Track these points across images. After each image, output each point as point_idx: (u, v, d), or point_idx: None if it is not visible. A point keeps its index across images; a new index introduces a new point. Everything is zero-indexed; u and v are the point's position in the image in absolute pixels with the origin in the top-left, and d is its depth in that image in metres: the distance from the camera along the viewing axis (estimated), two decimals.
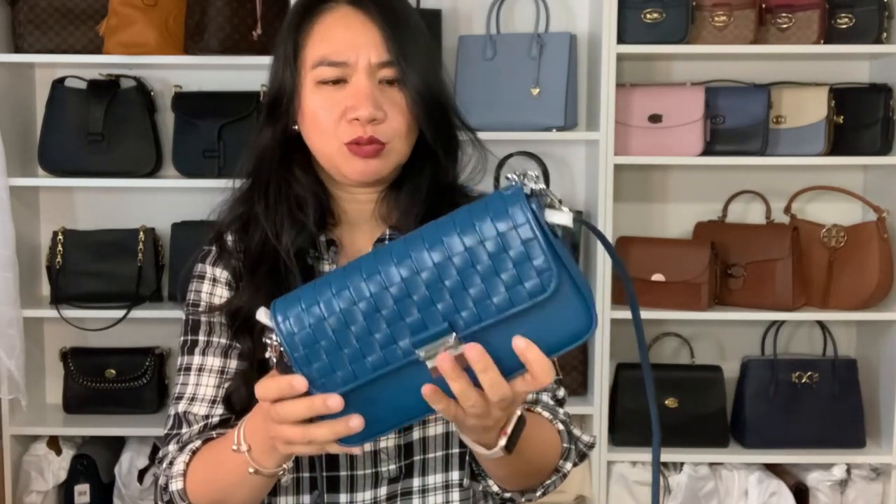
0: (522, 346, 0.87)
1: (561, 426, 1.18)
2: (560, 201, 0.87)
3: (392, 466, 1.18)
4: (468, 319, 0.86)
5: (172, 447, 1.18)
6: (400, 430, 1.18)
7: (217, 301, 1.21)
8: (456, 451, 1.20)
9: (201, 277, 1.23)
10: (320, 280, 0.91)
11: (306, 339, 0.89)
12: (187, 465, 1.13)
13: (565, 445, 1.17)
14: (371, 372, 0.89)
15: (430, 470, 1.20)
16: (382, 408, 0.91)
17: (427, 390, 0.88)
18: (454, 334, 0.87)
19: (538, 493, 1.18)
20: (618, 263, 0.91)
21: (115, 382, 2.76)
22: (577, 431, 1.21)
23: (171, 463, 1.15)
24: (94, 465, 2.72)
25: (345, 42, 1.13)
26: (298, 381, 0.90)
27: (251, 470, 1.02)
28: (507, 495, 1.18)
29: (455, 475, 1.20)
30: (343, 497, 1.17)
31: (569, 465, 1.18)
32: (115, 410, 2.76)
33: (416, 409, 0.91)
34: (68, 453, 2.74)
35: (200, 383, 1.20)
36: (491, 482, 1.17)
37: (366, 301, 0.87)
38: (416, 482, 1.20)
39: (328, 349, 0.89)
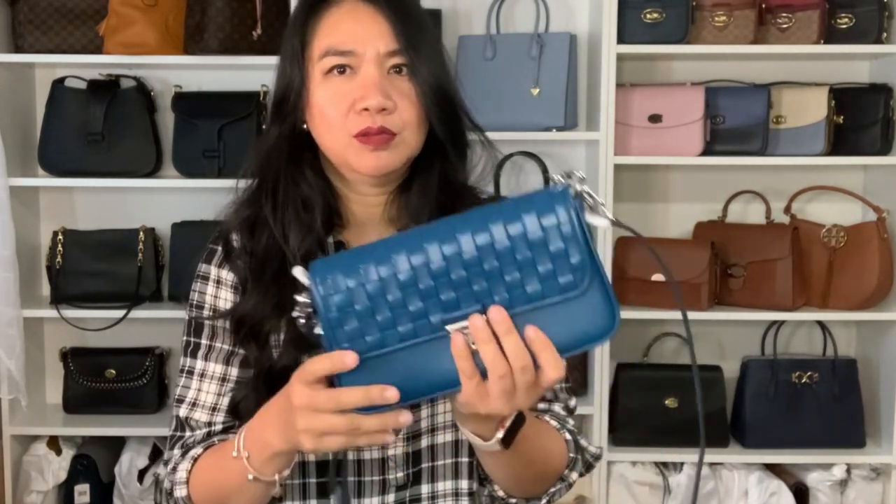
0: (532, 335, 0.88)
1: (568, 436, 1.17)
2: (603, 204, 0.90)
3: (400, 474, 1.17)
4: (500, 305, 0.89)
5: (177, 452, 1.17)
6: (408, 437, 1.17)
7: (221, 303, 1.19)
8: (465, 459, 1.20)
9: (205, 278, 1.21)
10: (362, 247, 0.93)
11: (341, 301, 0.90)
12: (189, 472, 1.13)
13: (572, 455, 1.16)
14: (399, 341, 0.91)
15: (439, 477, 1.19)
16: (404, 380, 0.92)
17: (459, 341, 0.89)
18: (484, 317, 0.89)
19: (543, 501, 1.16)
20: (665, 270, 0.94)
21: (115, 382, 2.76)
22: (583, 442, 1.20)
23: (174, 469, 1.15)
24: (94, 465, 2.72)
25: (352, 32, 1.12)
26: (350, 357, 0.90)
27: (250, 476, 1.03)
28: (513, 501, 1.17)
29: (464, 483, 1.20)
30: (352, 502, 1.17)
31: (574, 475, 1.17)
32: (115, 410, 2.75)
33: (437, 384, 0.92)
34: (68, 453, 2.74)
35: (202, 389, 1.19)
36: (496, 486, 1.16)
37: (405, 273, 0.89)
38: (425, 489, 1.19)
39: (361, 314, 0.90)
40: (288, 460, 1.03)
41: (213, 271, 1.21)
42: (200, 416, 1.18)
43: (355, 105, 1.11)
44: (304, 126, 1.17)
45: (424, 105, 1.13)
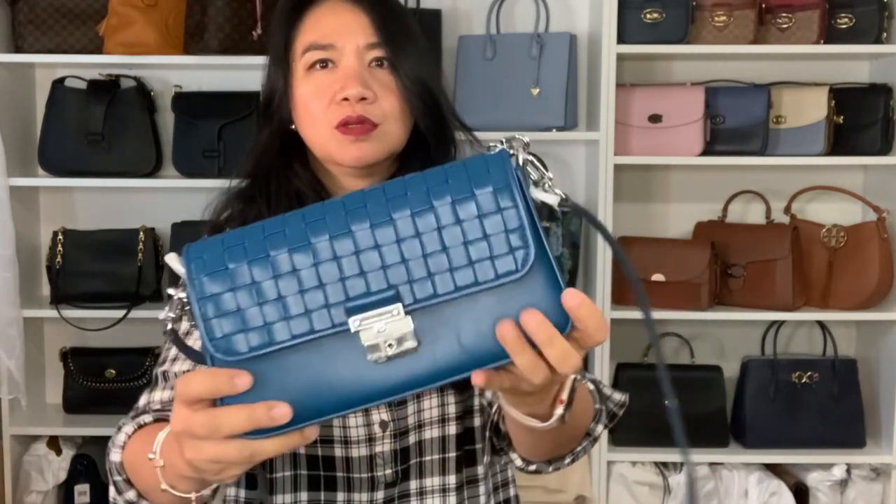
0: (577, 301, 0.72)
1: (591, 386, 1.10)
2: (550, 177, 0.76)
3: (388, 471, 1.17)
4: (420, 292, 0.73)
5: (143, 400, 1.10)
6: (396, 434, 1.17)
7: None
8: (452, 454, 1.19)
9: None
10: (253, 225, 0.76)
11: (221, 289, 0.73)
12: (129, 437, 1.00)
13: (597, 407, 1.09)
14: (291, 338, 0.73)
15: (427, 473, 1.19)
16: (304, 391, 0.73)
17: (480, 376, 0.73)
18: (399, 305, 0.72)
19: (567, 461, 1.10)
20: (618, 253, 0.77)
21: (115, 382, 2.76)
22: (607, 390, 1.14)
23: (119, 429, 1.03)
24: (94, 465, 2.72)
25: (333, 27, 1.14)
26: (243, 379, 0.73)
27: (163, 487, 0.87)
28: (532, 468, 1.10)
29: (452, 479, 1.19)
30: (340, 495, 1.17)
31: (600, 428, 1.09)
32: (115, 410, 2.74)
33: (350, 397, 0.73)
34: (68, 453, 2.74)
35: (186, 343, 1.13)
36: (514, 455, 1.10)
37: (304, 254, 0.73)
38: (413, 485, 1.19)
39: (244, 301, 0.73)
40: (205, 482, 0.84)
41: None
42: (180, 367, 1.10)
43: (336, 96, 1.12)
44: (293, 126, 1.18)
45: (405, 97, 1.13)
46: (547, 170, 0.76)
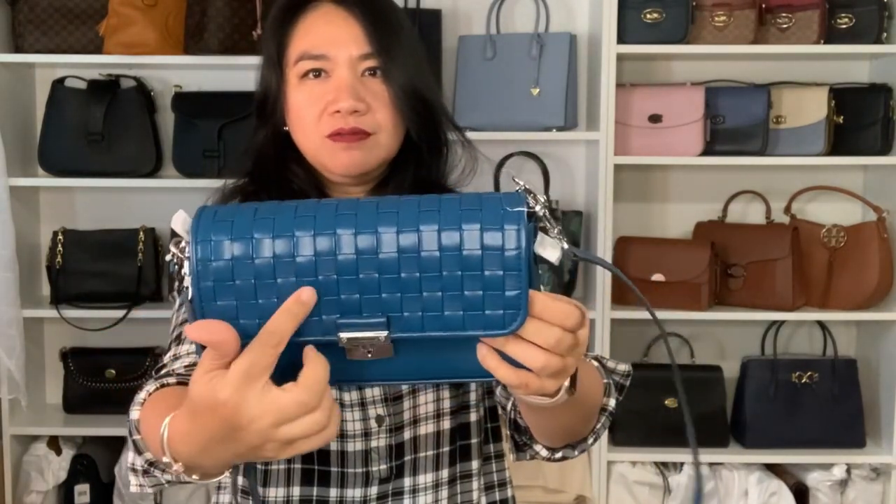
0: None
1: (594, 362, 1.10)
2: (559, 231, 0.78)
3: (383, 466, 1.17)
4: (407, 323, 0.76)
5: (167, 358, 1.08)
6: (391, 429, 1.17)
7: None
8: (446, 449, 1.20)
9: None
10: (265, 207, 0.78)
11: (220, 271, 0.76)
12: (150, 394, 0.97)
13: (605, 381, 1.08)
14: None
15: (421, 470, 1.19)
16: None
17: (496, 365, 0.77)
18: (386, 333, 0.76)
19: (590, 441, 1.09)
20: (624, 280, 0.82)
21: (115, 382, 2.76)
22: (610, 363, 1.14)
23: (142, 387, 1.01)
24: (94, 465, 2.72)
25: (326, 36, 1.14)
26: (307, 293, 0.75)
27: (190, 478, 0.84)
28: (558, 455, 1.09)
29: (445, 473, 1.20)
30: (333, 491, 1.17)
31: (612, 402, 1.08)
32: (115, 410, 2.74)
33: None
34: (68, 453, 2.74)
35: None
36: (538, 447, 1.09)
37: (306, 258, 0.75)
38: (407, 482, 1.19)
39: (241, 292, 0.76)
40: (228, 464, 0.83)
41: None
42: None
43: (328, 108, 1.12)
44: (286, 128, 1.18)
45: (398, 107, 1.14)
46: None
